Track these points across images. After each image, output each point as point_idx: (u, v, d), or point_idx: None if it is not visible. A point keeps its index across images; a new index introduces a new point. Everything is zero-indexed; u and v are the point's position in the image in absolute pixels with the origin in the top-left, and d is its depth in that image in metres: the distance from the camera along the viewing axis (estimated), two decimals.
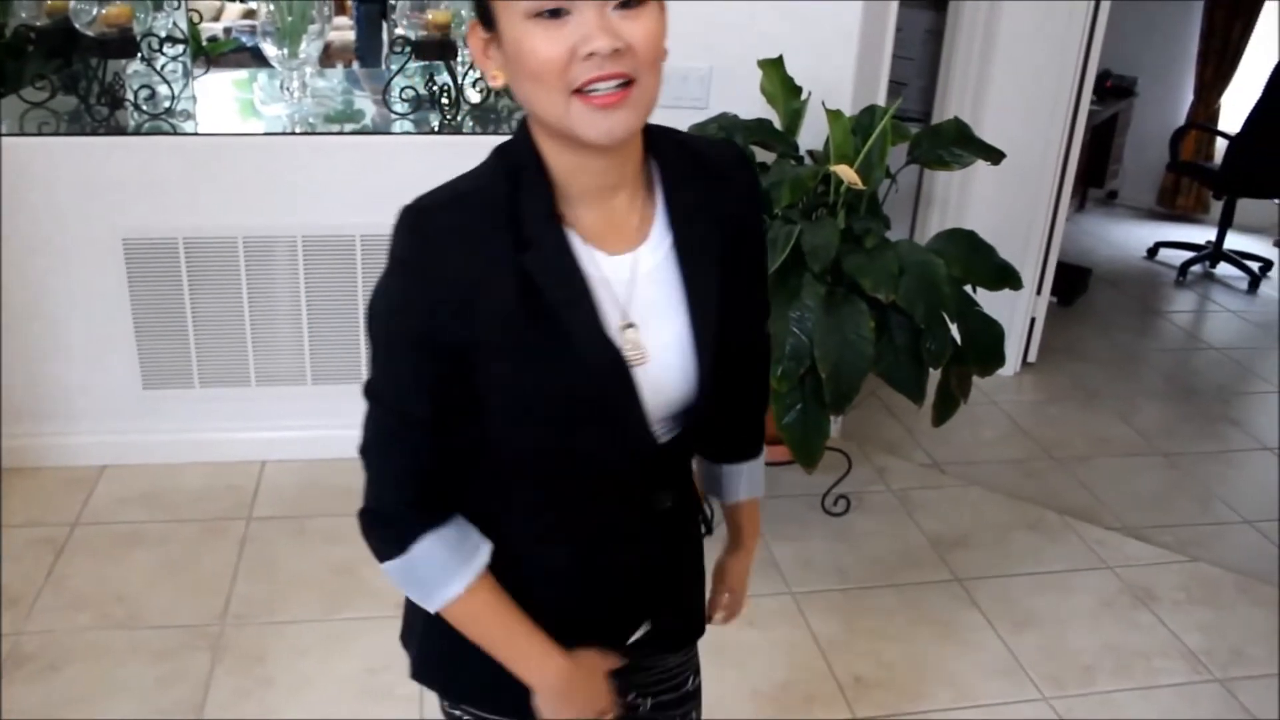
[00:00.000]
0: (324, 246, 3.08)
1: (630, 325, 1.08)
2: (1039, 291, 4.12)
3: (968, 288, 2.75)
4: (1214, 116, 6.22)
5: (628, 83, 0.97)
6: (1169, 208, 6.57)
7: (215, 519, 3.00)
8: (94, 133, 2.97)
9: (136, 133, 2.99)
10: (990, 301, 2.88)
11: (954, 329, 2.66)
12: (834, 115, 2.68)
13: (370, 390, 1.10)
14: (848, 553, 3.02)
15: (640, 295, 1.09)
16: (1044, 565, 3.02)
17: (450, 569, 1.11)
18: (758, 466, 1.43)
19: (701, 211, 1.13)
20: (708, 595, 1.45)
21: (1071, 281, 4.96)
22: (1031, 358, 4.27)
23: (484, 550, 1.14)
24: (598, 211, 1.07)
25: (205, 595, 2.69)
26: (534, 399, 1.07)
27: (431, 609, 1.14)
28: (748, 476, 1.42)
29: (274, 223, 3.04)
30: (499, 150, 1.09)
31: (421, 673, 1.29)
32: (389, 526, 1.11)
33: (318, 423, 3.20)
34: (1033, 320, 4.19)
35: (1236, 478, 3.62)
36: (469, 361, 1.05)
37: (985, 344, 2.70)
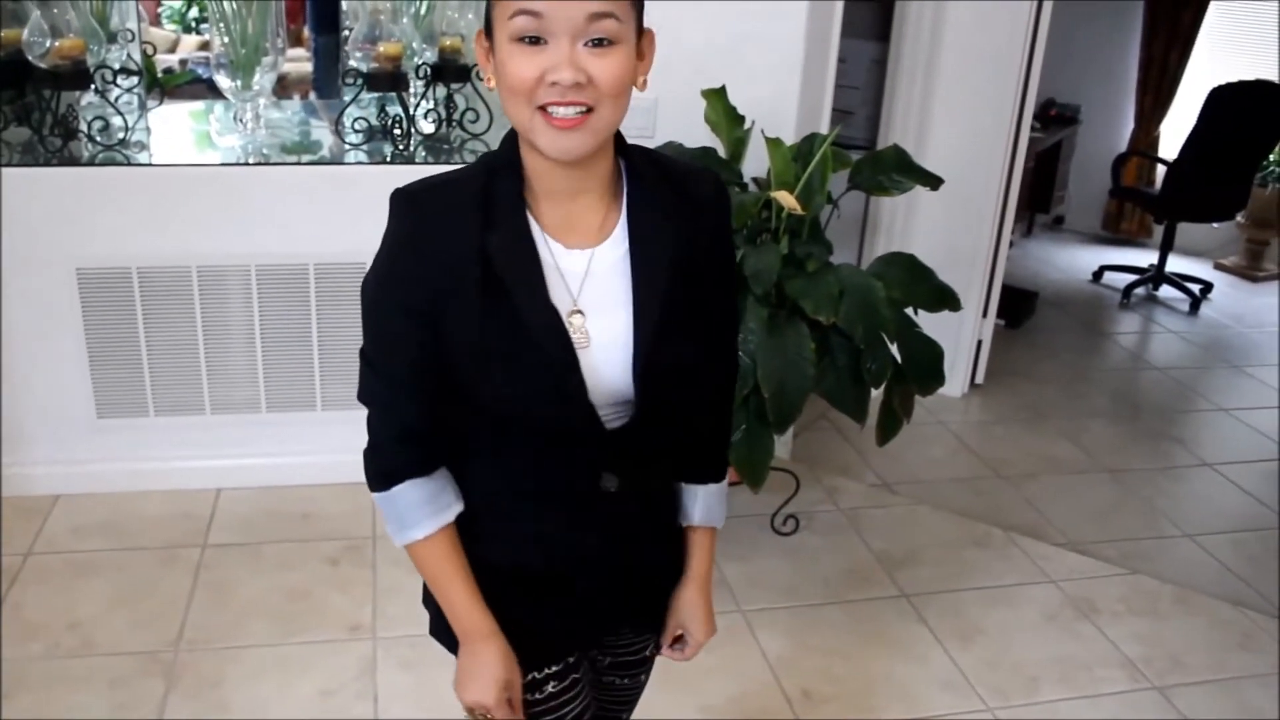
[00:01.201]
0: (278, 275, 3.11)
1: (578, 312, 1.22)
2: (985, 314, 4.21)
3: (909, 310, 2.83)
4: (1154, 143, 6.39)
5: (588, 110, 1.12)
6: (1113, 232, 6.74)
7: (170, 546, 3.00)
8: (47, 163, 2.99)
9: (90, 164, 3.01)
10: (938, 324, 2.95)
11: (894, 349, 2.73)
12: (773, 143, 2.75)
13: (363, 353, 1.26)
14: (797, 571, 3.07)
15: (591, 287, 1.22)
16: (990, 580, 3.09)
17: (421, 515, 1.27)
18: (715, 494, 1.44)
19: (663, 225, 1.24)
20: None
21: (1019, 304, 5.07)
22: (979, 379, 4.36)
23: (454, 509, 1.30)
24: (560, 209, 1.22)
25: (160, 622, 2.70)
26: (491, 366, 1.20)
27: (398, 543, 1.30)
28: (704, 502, 1.42)
29: (228, 252, 3.07)
30: (485, 154, 1.27)
31: (436, 630, 1.42)
32: (381, 463, 1.28)
33: (272, 450, 3.19)
34: (980, 342, 4.28)
35: (1178, 493, 3.71)
36: (441, 329, 1.20)
37: (925, 364, 2.77)
